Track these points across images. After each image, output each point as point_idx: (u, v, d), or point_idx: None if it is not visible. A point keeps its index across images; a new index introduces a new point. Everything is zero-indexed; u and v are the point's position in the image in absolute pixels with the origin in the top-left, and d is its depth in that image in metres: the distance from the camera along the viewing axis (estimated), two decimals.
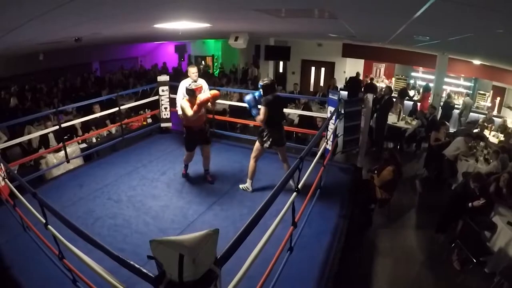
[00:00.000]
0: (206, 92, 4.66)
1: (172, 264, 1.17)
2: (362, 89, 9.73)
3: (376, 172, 4.64)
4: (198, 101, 3.79)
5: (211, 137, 4.53)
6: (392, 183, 4.38)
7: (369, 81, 10.33)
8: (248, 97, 3.96)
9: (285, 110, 7.01)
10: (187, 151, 4.36)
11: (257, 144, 4.10)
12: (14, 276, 2.73)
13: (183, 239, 1.17)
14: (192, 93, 3.97)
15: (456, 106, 9.12)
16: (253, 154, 4.16)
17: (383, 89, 8.96)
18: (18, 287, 2.63)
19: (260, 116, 3.87)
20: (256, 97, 3.94)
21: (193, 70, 4.62)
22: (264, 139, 4.01)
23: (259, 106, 3.95)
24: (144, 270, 1.40)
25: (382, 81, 11.16)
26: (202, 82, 4.64)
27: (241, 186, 4.30)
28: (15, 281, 2.68)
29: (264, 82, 3.91)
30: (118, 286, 1.69)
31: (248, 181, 4.25)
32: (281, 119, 4.29)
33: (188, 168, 4.65)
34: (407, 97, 9.23)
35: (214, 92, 4.00)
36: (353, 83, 9.70)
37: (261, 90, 3.91)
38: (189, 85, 4.07)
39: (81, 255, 1.97)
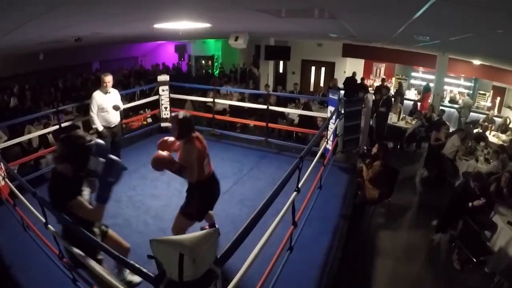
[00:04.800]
0: (119, 102, 4.40)
1: (172, 263, 1.17)
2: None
3: (367, 166, 4.55)
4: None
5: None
6: (379, 176, 4.31)
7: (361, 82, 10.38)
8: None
9: (285, 109, 7.08)
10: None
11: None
12: (14, 275, 2.73)
13: (183, 239, 1.17)
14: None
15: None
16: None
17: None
18: (18, 287, 2.63)
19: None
20: None
21: (107, 79, 4.27)
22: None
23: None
24: (144, 270, 1.41)
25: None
26: (115, 93, 4.41)
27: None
28: (15, 281, 2.68)
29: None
30: (118, 286, 1.69)
31: None
32: None
33: None
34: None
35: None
36: (349, 83, 9.75)
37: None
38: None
39: (81, 255, 1.98)
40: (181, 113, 2.62)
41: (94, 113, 4.27)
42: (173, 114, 2.62)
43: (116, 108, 4.38)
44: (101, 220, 2.14)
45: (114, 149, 4.53)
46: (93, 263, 1.91)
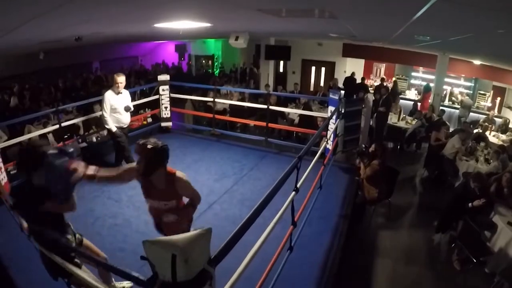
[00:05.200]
0: (129, 103, 4.33)
1: (165, 264, 1.17)
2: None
3: (365, 165, 4.54)
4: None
5: None
6: (377, 175, 4.30)
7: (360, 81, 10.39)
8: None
9: (285, 109, 7.06)
10: None
11: None
12: (12, 276, 2.72)
13: (176, 239, 1.17)
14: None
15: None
16: None
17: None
18: None
19: None
20: None
21: (120, 79, 4.19)
22: None
23: None
24: (135, 274, 1.39)
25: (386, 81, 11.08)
26: (126, 94, 4.38)
27: None
28: (14, 281, 2.67)
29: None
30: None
31: None
32: None
33: (188, 168, 4.63)
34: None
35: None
36: (347, 83, 9.78)
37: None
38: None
39: (70, 267, 1.94)
40: (152, 141, 2.04)
41: (107, 114, 4.21)
42: (141, 141, 2.05)
43: (127, 109, 4.35)
44: (76, 210, 2.09)
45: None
46: (81, 273, 1.90)
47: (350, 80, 10.08)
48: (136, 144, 2.07)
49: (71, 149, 2.01)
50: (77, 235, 2.30)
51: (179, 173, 2.16)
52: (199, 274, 1.22)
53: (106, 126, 4.32)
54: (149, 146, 2.01)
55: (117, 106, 4.25)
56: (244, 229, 1.63)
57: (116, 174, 2.18)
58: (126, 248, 3.07)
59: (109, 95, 4.20)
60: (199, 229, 1.25)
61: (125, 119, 4.42)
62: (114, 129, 4.29)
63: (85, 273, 1.91)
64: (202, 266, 1.24)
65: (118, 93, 4.25)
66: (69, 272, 1.93)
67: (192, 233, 1.21)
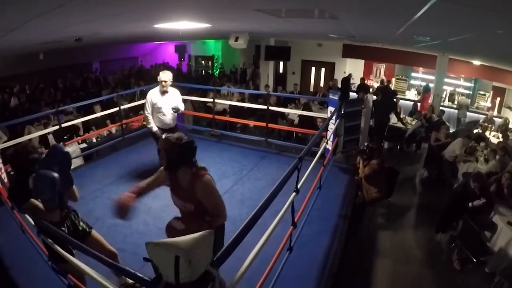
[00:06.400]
0: (179, 104, 4.06)
1: (168, 266, 1.17)
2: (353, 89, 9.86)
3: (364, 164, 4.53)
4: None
5: None
6: (377, 175, 4.30)
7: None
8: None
9: (285, 110, 7.08)
10: None
11: None
12: (13, 276, 2.72)
13: (179, 241, 1.17)
14: None
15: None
16: None
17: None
18: None
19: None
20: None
21: (164, 77, 3.90)
22: None
23: None
24: (140, 274, 1.39)
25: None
26: (174, 93, 4.10)
27: None
28: (14, 282, 2.67)
29: None
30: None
31: None
32: None
33: None
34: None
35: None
36: (343, 84, 9.80)
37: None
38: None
39: (75, 262, 1.96)
40: (175, 136, 1.92)
41: (148, 113, 4.02)
42: (164, 136, 1.98)
43: (176, 110, 4.04)
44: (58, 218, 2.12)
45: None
46: (87, 268, 1.90)
47: (345, 80, 10.10)
48: (161, 139, 2.02)
49: (65, 150, 2.02)
50: (84, 226, 2.37)
51: (206, 177, 1.99)
52: (202, 275, 1.23)
53: (148, 126, 4.13)
54: (171, 141, 1.90)
55: (161, 106, 3.99)
56: (246, 230, 1.63)
57: (153, 178, 2.21)
58: (126, 249, 3.07)
59: (151, 94, 3.98)
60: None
61: (170, 120, 4.15)
62: (154, 128, 4.06)
63: (77, 261, 1.93)
64: (205, 268, 1.24)
65: (163, 92, 3.97)
66: (61, 258, 1.99)
67: (195, 235, 1.22)
